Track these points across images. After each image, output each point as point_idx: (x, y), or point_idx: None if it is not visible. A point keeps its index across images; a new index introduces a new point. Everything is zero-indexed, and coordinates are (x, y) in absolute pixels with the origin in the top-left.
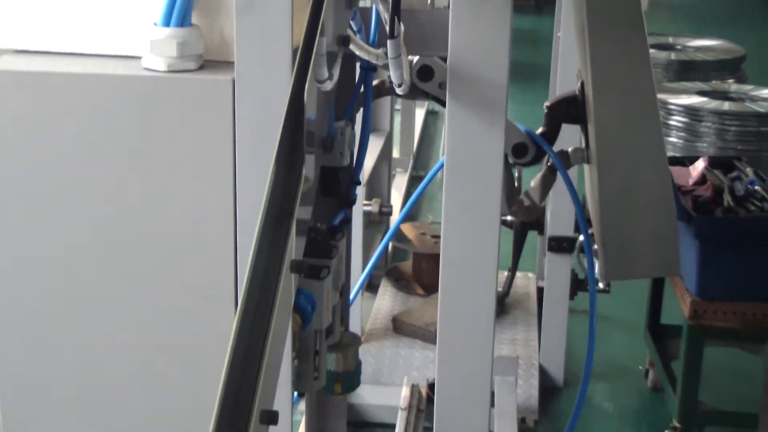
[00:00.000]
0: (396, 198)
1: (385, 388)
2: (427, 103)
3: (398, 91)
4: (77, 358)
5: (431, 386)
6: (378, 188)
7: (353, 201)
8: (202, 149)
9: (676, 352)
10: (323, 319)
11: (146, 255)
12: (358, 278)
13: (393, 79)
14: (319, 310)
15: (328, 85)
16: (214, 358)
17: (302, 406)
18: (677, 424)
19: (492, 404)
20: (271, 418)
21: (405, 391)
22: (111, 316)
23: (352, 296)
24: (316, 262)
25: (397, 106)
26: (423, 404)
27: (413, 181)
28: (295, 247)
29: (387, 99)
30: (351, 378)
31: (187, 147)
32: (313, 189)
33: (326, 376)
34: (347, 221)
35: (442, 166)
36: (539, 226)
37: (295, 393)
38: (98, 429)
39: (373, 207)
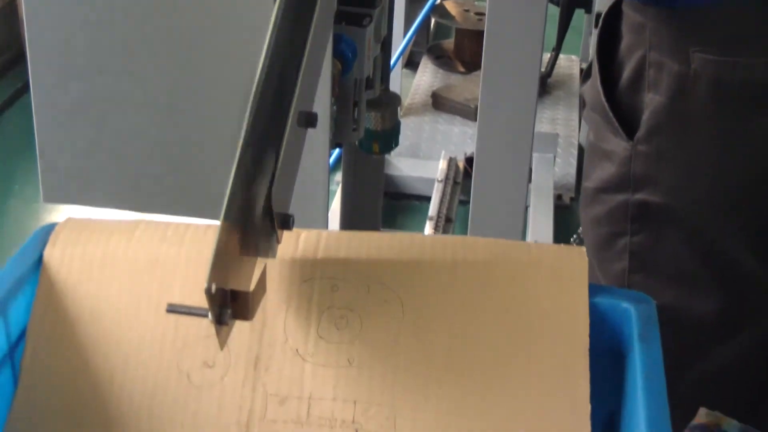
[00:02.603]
0: None
1: (422, 161)
2: None
3: None
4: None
5: (469, 160)
6: None
7: None
8: None
9: None
10: (364, 67)
11: None
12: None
13: None
14: (359, 58)
15: None
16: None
17: (338, 177)
18: None
19: (529, 180)
20: (309, 120)
21: (442, 164)
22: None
23: (392, 61)
24: (358, 9)
25: None
26: (460, 177)
27: None
28: None
29: None
30: (389, 137)
31: None
32: None
33: (365, 134)
34: None
35: None
36: (586, 3)
37: (332, 155)
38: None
39: None
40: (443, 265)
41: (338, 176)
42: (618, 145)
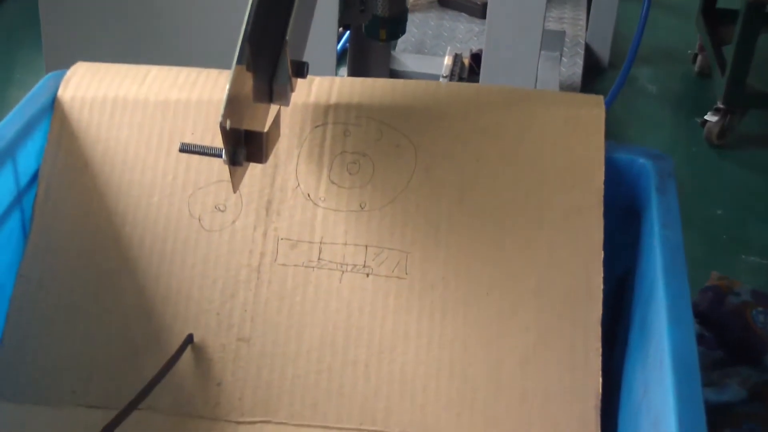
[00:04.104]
0: None
1: (427, 57)
2: None
3: None
4: None
5: (474, 56)
6: None
7: None
8: None
9: (729, 37)
10: None
11: None
12: None
13: None
14: None
15: None
16: None
17: (343, 70)
18: (721, 105)
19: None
20: None
21: (447, 60)
22: None
23: None
24: None
25: None
26: (465, 74)
27: None
28: None
29: None
30: (396, 23)
31: None
32: None
33: (372, 20)
34: None
35: None
36: None
37: (339, 44)
38: None
39: None
40: (458, 112)
41: (342, 71)
42: None
